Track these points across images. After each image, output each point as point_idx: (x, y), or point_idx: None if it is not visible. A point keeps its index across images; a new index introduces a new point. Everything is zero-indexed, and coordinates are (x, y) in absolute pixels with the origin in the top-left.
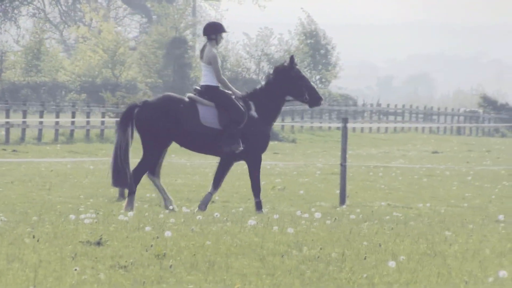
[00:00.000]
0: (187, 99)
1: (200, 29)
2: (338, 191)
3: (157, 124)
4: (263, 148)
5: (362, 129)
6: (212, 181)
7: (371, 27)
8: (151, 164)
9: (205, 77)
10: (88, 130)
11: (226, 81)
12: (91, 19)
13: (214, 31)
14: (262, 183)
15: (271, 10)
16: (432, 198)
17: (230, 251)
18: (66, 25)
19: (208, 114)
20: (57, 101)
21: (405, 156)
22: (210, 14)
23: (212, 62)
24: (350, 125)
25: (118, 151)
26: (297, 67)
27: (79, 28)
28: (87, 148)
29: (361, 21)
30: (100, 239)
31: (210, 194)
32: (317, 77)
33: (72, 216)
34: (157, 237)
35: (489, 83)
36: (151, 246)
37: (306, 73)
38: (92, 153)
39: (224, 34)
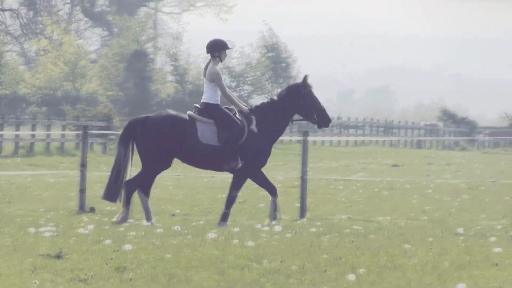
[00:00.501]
0: (187, 117)
1: (161, 41)
2: (298, 204)
3: (158, 141)
4: (260, 163)
5: (322, 142)
6: (267, 192)
7: (332, 40)
8: (147, 179)
9: (205, 94)
10: (48, 143)
11: (232, 96)
12: (52, 32)
13: (217, 48)
14: (222, 196)
15: (232, 23)
16: (392, 211)
17: (190, 264)
18: (27, 38)
19: (206, 132)
20: (18, 113)
21: (365, 169)
22: (171, 27)
23: (215, 79)
24: (310, 138)
25: (117, 166)
26: (310, 88)
27: (40, 40)
28: (47, 161)
29: (321, 34)
30: (60, 252)
31: (273, 201)
32: (278, 90)
33: (32, 229)
34: (117, 250)
35: (449, 96)
36: (111, 259)
37: (268, 85)
38: (52, 166)
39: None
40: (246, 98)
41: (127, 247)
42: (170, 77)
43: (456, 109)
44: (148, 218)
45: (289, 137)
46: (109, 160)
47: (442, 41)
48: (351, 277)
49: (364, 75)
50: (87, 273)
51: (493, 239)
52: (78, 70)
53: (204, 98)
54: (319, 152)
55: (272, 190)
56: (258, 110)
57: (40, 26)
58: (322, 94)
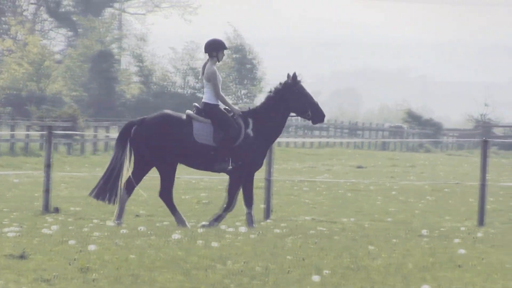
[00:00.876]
0: (184, 117)
1: (126, 42)
2: (263, 206)
3: (154, 142)
4: (254, 165)
5: (287, 144)
6: (243, 201)
7: (297, 42)
8: (140, 178)
9: (205, 94)
10: (13, 143)
11: (225, 97)
12: (17, 32)
13: (215, 48)
14: (187, 197)
15: (197, 24)
16: (357, 213)
17: (154, 265)
18: None
19: (202, 131)
20: None
21: (330, 170)
22: (136, 27)
23: (211, 79)
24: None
25: (111, 167)
26: (300, 83)
27: (4, 41)
28: (11, 161)
29: (286, 35)
30: (24, 252)
31: (249, 213)
32: (243, 91)
33: None
34: (81, 251)
35: (414, 98)
36: (75, 259)
37: (232, 87)
38: (16, 167)
39: (224, 51)
40: None
41: (91, 247)
42: (135, 78)
43: (421, 111)
44: (119, 217)
45: None
46: (74, 161)
47: (407, 43)
48: (315, 278)
49: (329, 77)
50: (51, 273)
51: (457, 240)
52: (43, 71)
53: (204, 98)
54: (284, 153)
55: (249, 202)
56: (255, 112)
57: (4, 26)
58: None
